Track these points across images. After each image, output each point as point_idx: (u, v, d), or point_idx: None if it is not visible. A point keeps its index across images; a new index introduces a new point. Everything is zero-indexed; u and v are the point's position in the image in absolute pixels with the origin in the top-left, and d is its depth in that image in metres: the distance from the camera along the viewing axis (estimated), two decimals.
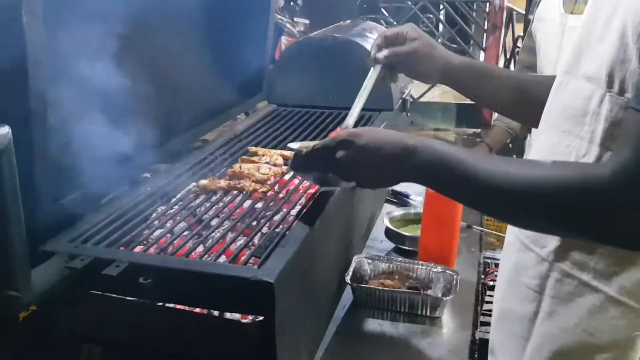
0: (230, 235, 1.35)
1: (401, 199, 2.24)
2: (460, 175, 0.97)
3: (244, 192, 1.48)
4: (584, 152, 0.95)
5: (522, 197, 0.91)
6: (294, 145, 1.21)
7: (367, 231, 1.95)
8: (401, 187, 2.33)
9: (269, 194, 1.50)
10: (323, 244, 1.43)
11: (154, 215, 1.44)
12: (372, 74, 1.45)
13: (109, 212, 1.38)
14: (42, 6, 1.07)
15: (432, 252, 1.69)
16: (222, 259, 1.27)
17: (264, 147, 1.86)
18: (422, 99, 6.16)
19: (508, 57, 5.02)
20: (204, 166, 1.67)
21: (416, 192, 2.29)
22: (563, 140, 1.00)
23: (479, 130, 5.68)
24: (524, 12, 4.43)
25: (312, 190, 1.55)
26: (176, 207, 1.46)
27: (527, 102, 1.26)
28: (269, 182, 1.54)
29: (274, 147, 1.86)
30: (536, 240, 1.06)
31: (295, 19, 9.62)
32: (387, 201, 2.24)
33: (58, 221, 1.30)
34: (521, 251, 1.10)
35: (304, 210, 1.41)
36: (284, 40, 8.93)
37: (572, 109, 0.98)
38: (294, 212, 1.45)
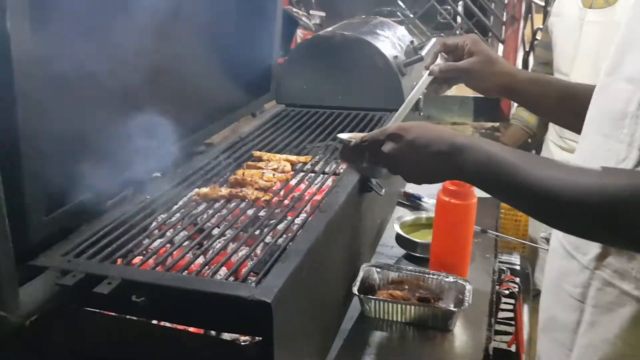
0: (231, 246, 1.30)
1: (413, 202, 2.17)
2: (509, 178, 0.94)
3: (247, 200, 1.42)
4: (624, 156, 0.93)
5: (570, 204, 0.88)
6: (344, 135, 1.23)
7: (377, 237, 1.89)
8: (413, 189, 2.26)
9: (273, 201, 1.44)
10: (328, 255, 1.37)
11: (153, 224, 1.39)
12: (424, 82, 1.42)
13: (106, 222, 1.33)
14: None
15: (444, 260, 1.62)
16: (223, 271, 1.22)
17: (270, 151, 1.80)
18: None
19: (527, 49, 4.88)
20: (207, 172, 1.62)
21: (429, 195, 2.22)
22: (603, 144, 0.98)
23: (497, 124, 5.56)
24: (543, 4, 4.29)
25: (318, 197, 1.49)
26: (177, 215, 1.41)
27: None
28: (273, 190, 1.48)
29: (281, 151, 1.80)
30: (578, 247, 1.04)
31: (310, 12, 9.55)
32: (399, 204, 2.17)
33: (51, 234, 1.26)
34: (564, 258, 1.09)
35: (309, 218, 1.35)
36: (300, 33, 8.88)
37: (612, 112, 0.96)
38: (299, 220, 1.40)
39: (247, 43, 2.04)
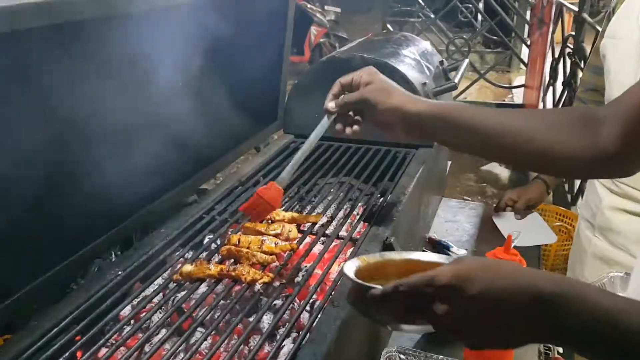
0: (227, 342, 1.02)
1: (440, 251, 1.87)
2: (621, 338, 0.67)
3: (242, 282, 1.13)
4: None
5: None
6: (350, 269, 0.86)
7: None
8: (440, 234, 1.96)
9: (274, 284, 1.15)
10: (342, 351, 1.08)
11: (124, 313, 1.10)
12: (323, 125, 1.29)
13: (62, 315, 1.05)
14: None
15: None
16: None
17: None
18: (459, 98, 5.74)
19: (557, 56, 4.54)
20: (195, 233, 1.33)
21: (459, 243, 1.92)
22: None
23: None
24: (576, 9, 3.95)
25: (332, 275, 1.20)
26: (152, 303, 1.12)
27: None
28: (273, 266, 1.19)
29: (289, 193, 1.51)
30: None
31: (325, 8, 9.25)
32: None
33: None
34: None
35: (321, 309, 1.06)
36: (314, 30, 8.56)
37: None
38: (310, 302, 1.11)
39: (251, 64, 1.73)
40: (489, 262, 0.77)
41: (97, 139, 1.19)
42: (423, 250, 1.86)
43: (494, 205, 2.19)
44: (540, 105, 4.84)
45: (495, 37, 6.77)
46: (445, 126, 1.10)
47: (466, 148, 1.15)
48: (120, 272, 1.18)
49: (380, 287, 0.79)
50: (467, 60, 2.05)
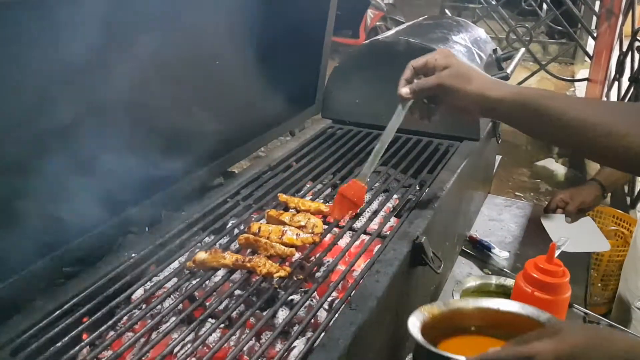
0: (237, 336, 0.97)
1: (481, 252, 1.76)
2: None
3: (257, 274, 1.07)
4: None
5: None
6: (416, 327, 0.83)
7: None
8: (482, 233, 1.85)
9: (293, 278, 1.08)
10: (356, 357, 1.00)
11: (137, 297, 1.06)
12: (398, 114, 1.21)
13: (68, 296, 1.01)
14: None
15: None
16: None
17: (305, 186, 1.44)
18: None
19: (624, 50, 4.27)
20: (216, 218, 1.27)
21: (501, 243, 1.81)
22: None
23: None
24: None
25: (358, 267, 1.12)
26: (164, 288, 1.07)
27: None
28: (292, 259, 1.12)
29: (320, 184, 1.44)
30: None
31: None
32: (463, 253, 1.76)
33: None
34: None
35: (343, 302, 0.99)
36: (370, 13, 8.40)
37: None
38: (328, 301, 1.04)
39: (291, 44, 1.65)
40: (593, 340, 0.70)
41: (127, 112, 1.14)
42: (464, 250, 1.76)
43: (544, 205, 2.05)
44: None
45: (559, 28, 6.46)
46: (526, 114, 1.05)
47: (548, 137, 1.08)
48: (134, 255, 1.13)
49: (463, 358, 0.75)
50: (522, 50, 1.91)
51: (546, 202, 2.05)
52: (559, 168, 4.82)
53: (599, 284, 2.91)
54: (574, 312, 1.53)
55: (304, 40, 1.67)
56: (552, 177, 4.77)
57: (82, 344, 0.93)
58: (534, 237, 1.89)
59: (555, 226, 1.92)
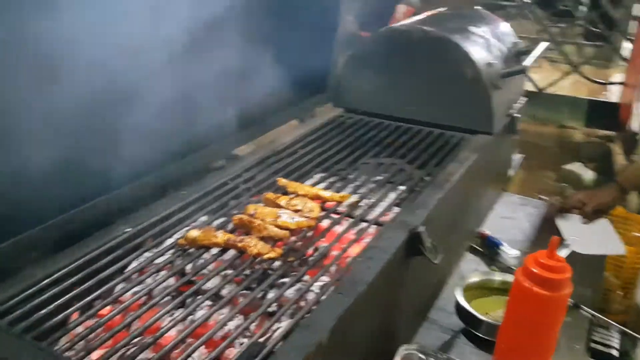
0: (223, 313, 0.95)
1: (490, 249, 1.72)
2: None
3: (248, 254, 1.06)
4: None
5: None
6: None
7: (431, 299, 1.46)
8: (493, 230, 1.81)
9: (277, 262, 1.06)
10: (348, 343, 0.98)
11: (127, 270, 1.06)
12: None
13: (59, 265, 1.01)
14: None
15: (516, 356, 1.19)
16: (200, 352, 0.88)
17: (308, 173, 1.42)
18: (548, 90, 5.38)
19: None
20: (214, 199, 1.27)
21: (512, 241, 1.76)
22: None
23: (613, 133, 4.86)
24: None
25: (352, 254, 1.10)
26: (158, 260, 1.07)
27: None
28: (285, 242, 1.11)
29: (325, 171, 1.42)
30: None
31: None
32: (471, 249, 1.73)
33: None
34: None
35: (331, 285, 0.97)
36: (401, 8, 8.31)
37: None
38: (318, 285, 1.02)
39: (304, 29, 1.62)
40: None
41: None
42: (471, 246, 1.72)
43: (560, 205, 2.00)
44: (636, 106, 4.46)
45: (595, 30, 6.31)
46: None
47: None
48: (128, 230, 1.13)
49: None
50: (544, 44, 1.86)
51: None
52: (586, 172, 4.70)
53: (620, 292, 2.83)
54: (582, 313, 1.49)
55: (316, 26, 1.65)
56: (579, 181, 4.66)
57: (68, 311, 0.93)
58: (547, 237, 1.83)
59: (570, 227, 1.87)
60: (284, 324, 0.95)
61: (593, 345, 1.53)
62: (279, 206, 1.19)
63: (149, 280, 1.04)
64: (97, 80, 1.04)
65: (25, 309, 0.92)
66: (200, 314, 0.98)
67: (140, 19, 1.08)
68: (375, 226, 1.20)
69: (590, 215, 1.93)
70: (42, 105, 0.98)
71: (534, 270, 1.09)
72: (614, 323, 1.57)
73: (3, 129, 0.96)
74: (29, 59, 0.96)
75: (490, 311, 1.40)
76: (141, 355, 0.88)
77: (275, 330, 0.94)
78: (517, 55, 1.83)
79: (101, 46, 1.02)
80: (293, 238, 1.13)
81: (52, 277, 0.99)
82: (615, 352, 1.56)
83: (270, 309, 0.98)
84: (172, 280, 1.04)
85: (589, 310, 1.49)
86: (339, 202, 1.24)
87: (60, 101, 0.99)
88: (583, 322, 1.47)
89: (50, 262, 1.03)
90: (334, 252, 1.13)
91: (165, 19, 1.16)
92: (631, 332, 1.63)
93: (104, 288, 0.99)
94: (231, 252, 1.08)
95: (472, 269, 1.63)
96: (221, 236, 1.08)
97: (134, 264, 1.08)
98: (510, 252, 1.70)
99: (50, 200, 1.04)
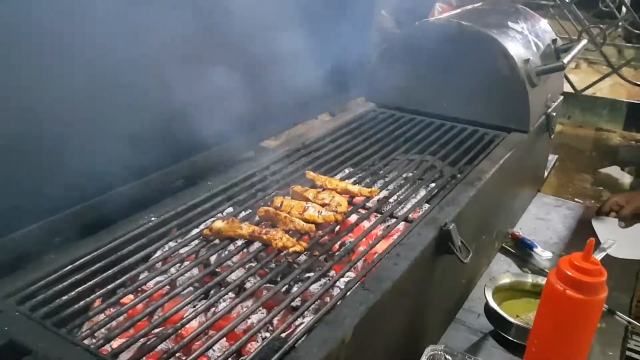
0: (246, 306, 0.95)
1: (522, 250, 1.68)
2: None
3: (273, 246, 1.04)
4: None
5: None
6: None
7: (461, 299, 1.43)
8: (527, 231, 1.76)
9: (303, 256, 1.04)
10: (372, 342, 0.96)
11: (151, 259, 1.05)
12: None
13: (82, 252, 1.01)
14: None
15: None
16: (221, 345, 0.87)
17: (338, 167, 1.40)
18: (586, 92, 5.24)
19: None
20: (241, 190, 1.25)
21: (545, 243, 1.71)
22: None
23: None
24: None
25: (379, 250, 1.07)
26: (182, 250, 1.06)
27: None
28: (312, 235, 1.08)
29: (354, 166, 1.40)
30: None
31: None
32: (502, 250, 1.68)
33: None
34: None
35: (357, 281, 0.95)
36: (438, 7, 8.22)
37: None
38: (343, 280, 1.00)
39: (338, 22, 1.60)
40: None
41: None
42: (503, 247, 1.68)
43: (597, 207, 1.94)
44: None
45: (637, 31, 6.13)
46: None
47: None
48: (153, 218, 1.12)
49: None
50: (583, 42, 1.80)
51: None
52: (624, 176, 4.57)
53: None
54: (617, 320, 1.44)
55: (350, 19, 1.63)
56: (616, 185, 4.54)
57: (89, 298, 0.93)
58: (582, 239, 1.77)
59: (607, 230, 1.81)
60: (307, 319, 0.93)
61: (628, 353, 1.47)
62: (306, 199, 1.17)
63: (172, 270, 1.03)
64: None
65: (46, 295, 0.92)
66: (222, 305, 0.97)
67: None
68: (404, 222, 1.17)
69: (628, 219, 1.86)
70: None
71: (568, 273, 1.05)
72: None
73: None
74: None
75: (521, 314, 1.36)
76: (161, 345, 0.87)
77: (298, 326, 0.92)
78: (555, 52, 1.78)
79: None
80: (319, 232, 1.11)
81: (75, 264, 0.99)
82: None
83: (293, 304, 0.97)
84: (195, 271, 1.03)
85: (625, 316, 1.44)
86: (368, 197, 1.22)
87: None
88: (618, 329, 1.42)
89: (73, 249, 1.02)
90: (361, 248, 1.10)
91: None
92: None
93: (126, 276, 0.99)
94: (256, 245, 1.07)
95: (503, 270, 1.59)
96: (246, 228, 1.06)
97: (158, 253, 1.07)
98: (543, 255, 1.65)
99: (75, 188, 1.04)
